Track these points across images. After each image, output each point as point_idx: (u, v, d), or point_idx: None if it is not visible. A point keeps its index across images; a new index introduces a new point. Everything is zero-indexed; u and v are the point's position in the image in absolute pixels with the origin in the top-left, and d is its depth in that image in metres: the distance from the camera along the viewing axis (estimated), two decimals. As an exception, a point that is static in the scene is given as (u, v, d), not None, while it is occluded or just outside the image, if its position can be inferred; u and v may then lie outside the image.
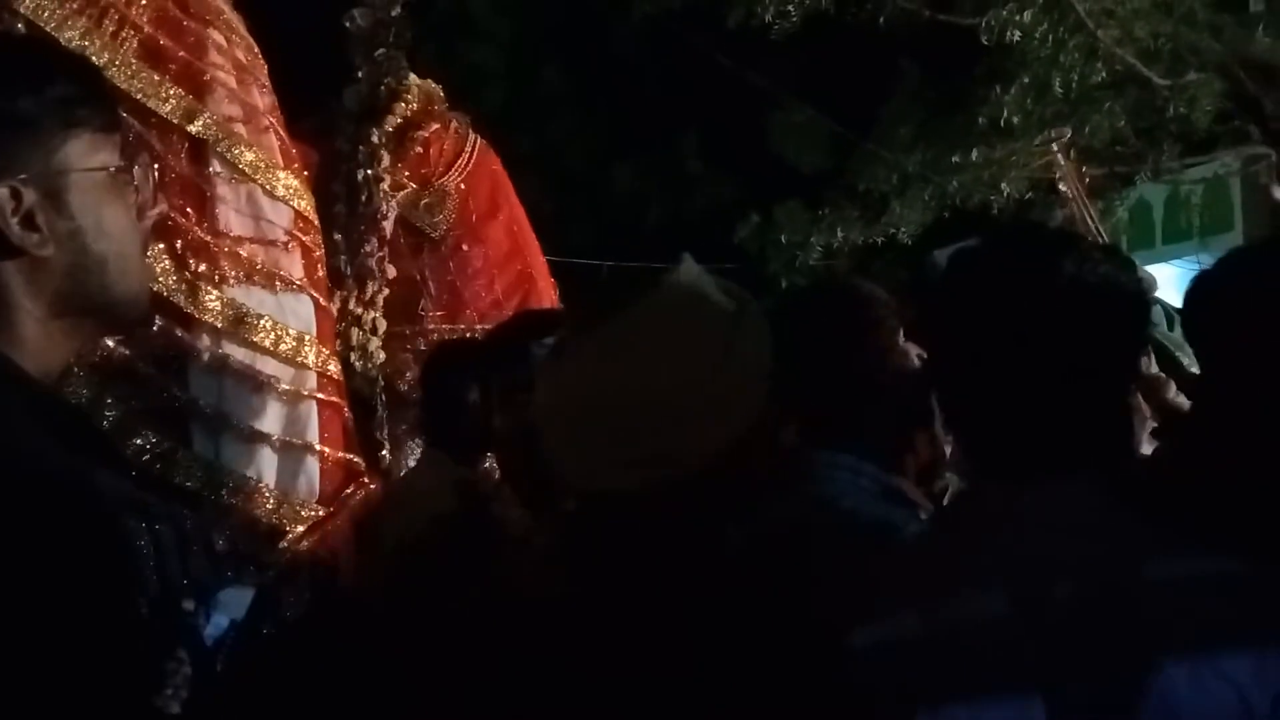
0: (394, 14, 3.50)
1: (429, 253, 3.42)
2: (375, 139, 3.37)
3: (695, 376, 1.46)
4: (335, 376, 2.47)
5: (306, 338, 2.33)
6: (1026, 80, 8.87)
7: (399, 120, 3.45)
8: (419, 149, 3.45)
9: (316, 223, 2.53)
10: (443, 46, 12.11)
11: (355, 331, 3.26)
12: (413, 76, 3.59)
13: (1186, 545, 1.36)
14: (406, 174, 3.43)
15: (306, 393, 2.31)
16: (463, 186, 3.48)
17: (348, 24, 3.51)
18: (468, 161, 3.50)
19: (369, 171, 3.33)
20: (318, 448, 2.31)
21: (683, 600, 1.42)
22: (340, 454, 2.41)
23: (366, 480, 2.50)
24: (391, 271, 3.33)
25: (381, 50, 3.51)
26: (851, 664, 1.39)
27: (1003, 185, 9.27)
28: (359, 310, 3.27)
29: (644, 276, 1.54)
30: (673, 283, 1.52)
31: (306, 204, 2.46)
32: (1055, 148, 3.96)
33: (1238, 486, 1.53)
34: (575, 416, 1.48)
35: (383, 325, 3.30)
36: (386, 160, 3.37)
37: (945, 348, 1.52)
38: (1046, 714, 1.29)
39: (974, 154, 9.18)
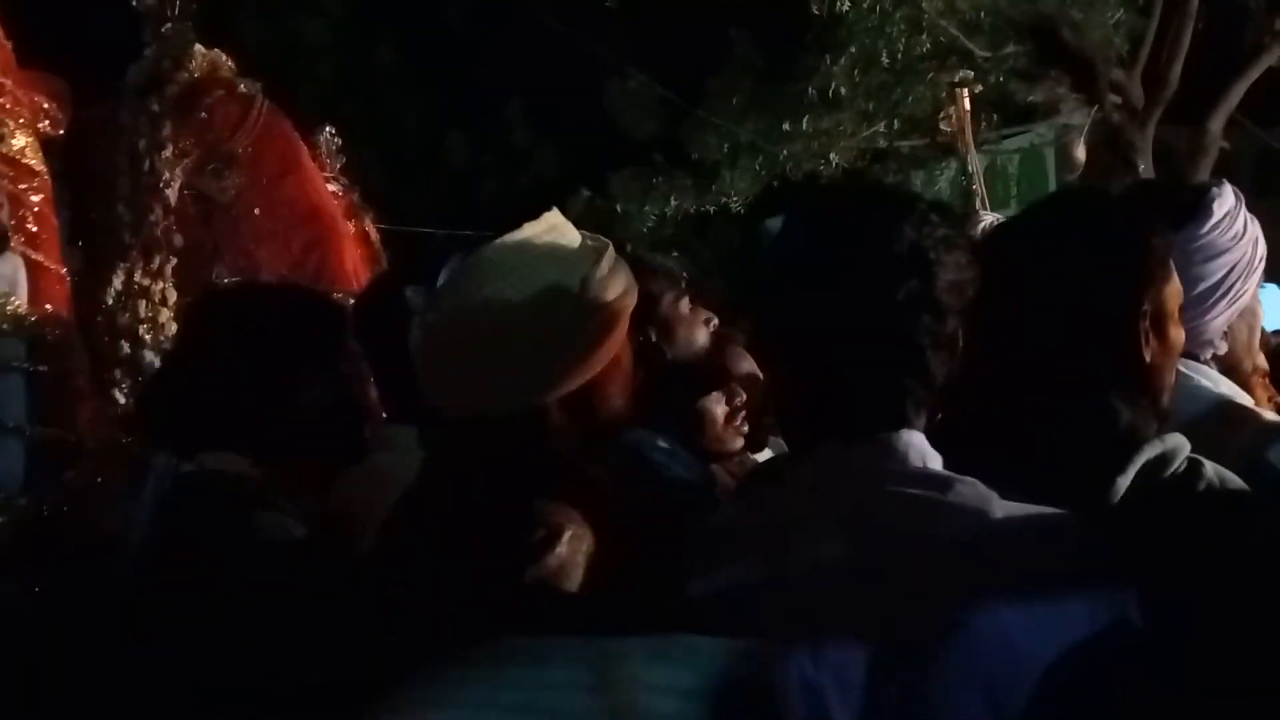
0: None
1: (219, 218, 3.27)
2: (155, 108, 3.22)
3: (553, 309, 1.56)
4: (60, 344, 2.25)
5: (12, 301, 2.11)
6: (854, 51, 9.00)
7: (178, 89, 3.30)
8: (202, 115, 3.29)
9: (37, 169, 2.31)
10: (272, 22, 11.80)
11: (143, 303, 3.10)
12: (199, 47, 3.44)
13: (988, 499, 1.37)
14: (190, 140, 3.28)
15: (15, 365, 2.09)
16: (251, 150, 3.33)
17: (134, 2, 3.35)
18: (255, 124, 3.36)
19: (147, 140, 3.18)
20: (28, 428, 2.07)
21: (538, 527, 1.49)
22: (66, 433, 2.17)
23: (112, 461, 2.24)
24: (179, 240, 3.18)
25: (167, 25, 3.36)
26: (692, 611, 1.42)
27: (831, 155, 9.40)
28: (146, 282, 3.10)
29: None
30: (534, 225, 1.61)
31: (19, 147, 2.23)
32: (960, 92, 3.91)
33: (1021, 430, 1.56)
34: (446, 346, 1.58)
35: (173, 296, 3.15)
36: (168, 129, 3.21)
37: (781, 312, 1.50)
38: (866, 664, 1.31)
39: (804, 124, 9.28)
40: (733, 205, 10.18)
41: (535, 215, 1.64)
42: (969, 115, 4.19)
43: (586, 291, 1.60)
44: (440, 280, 1.69)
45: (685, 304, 2.50)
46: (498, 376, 1.57)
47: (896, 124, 9.23)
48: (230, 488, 1.74)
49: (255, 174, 3.29)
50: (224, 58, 3.48)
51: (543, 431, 1.58)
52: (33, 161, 2.27)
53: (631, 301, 1.65)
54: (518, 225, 1.63)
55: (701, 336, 2.52)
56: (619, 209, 10.24)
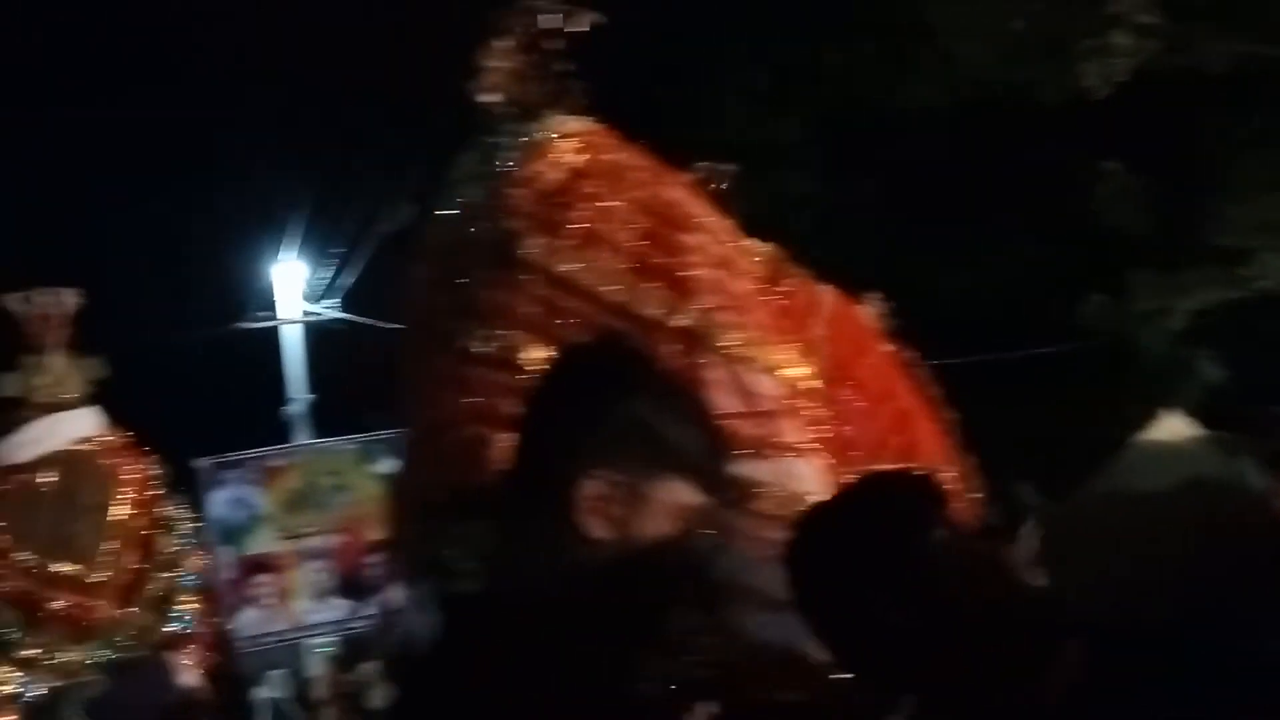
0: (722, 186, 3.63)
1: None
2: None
3: (1207, 505, 1.54)
4: None
5: (811, 500, 2.31)
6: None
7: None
8: (784, 301, 3.53)
9: (819, 386, 2.65)
10: (755, 176, 12.45)
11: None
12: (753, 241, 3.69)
13: None
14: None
15: None
16: (827, 334, 3.52)
17: None
18: (827, 310, 3.56)
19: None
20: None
21: None
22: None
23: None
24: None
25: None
26: None
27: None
28: None
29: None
30: (1165, 431, 1.64)
31: (801, 372, 2.59)
32: None
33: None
34: (1089, 553, 1.60)
35: None
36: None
37: None
38: None
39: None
40: (1270, 288, 9.52)
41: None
42: None
43: (1243, 483, 1.58)
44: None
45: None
46: (1149, 576, 1.55)
47: None
48: None
49: (835, 357, 3.47)
50: (777, 249, 3.71)
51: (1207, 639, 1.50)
52: (814, 383, 2.66)
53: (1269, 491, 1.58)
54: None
55: None
56: (1141, 310, 9.81)
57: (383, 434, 12.27)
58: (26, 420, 4.55)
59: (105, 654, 4.28)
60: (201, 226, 14.39)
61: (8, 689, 4.17)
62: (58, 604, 4.24)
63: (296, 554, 11.91)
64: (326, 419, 14.28)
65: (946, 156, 12.82)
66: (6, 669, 4.18)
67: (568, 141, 2.66)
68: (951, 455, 3.41)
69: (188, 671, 4.51)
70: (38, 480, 4.43)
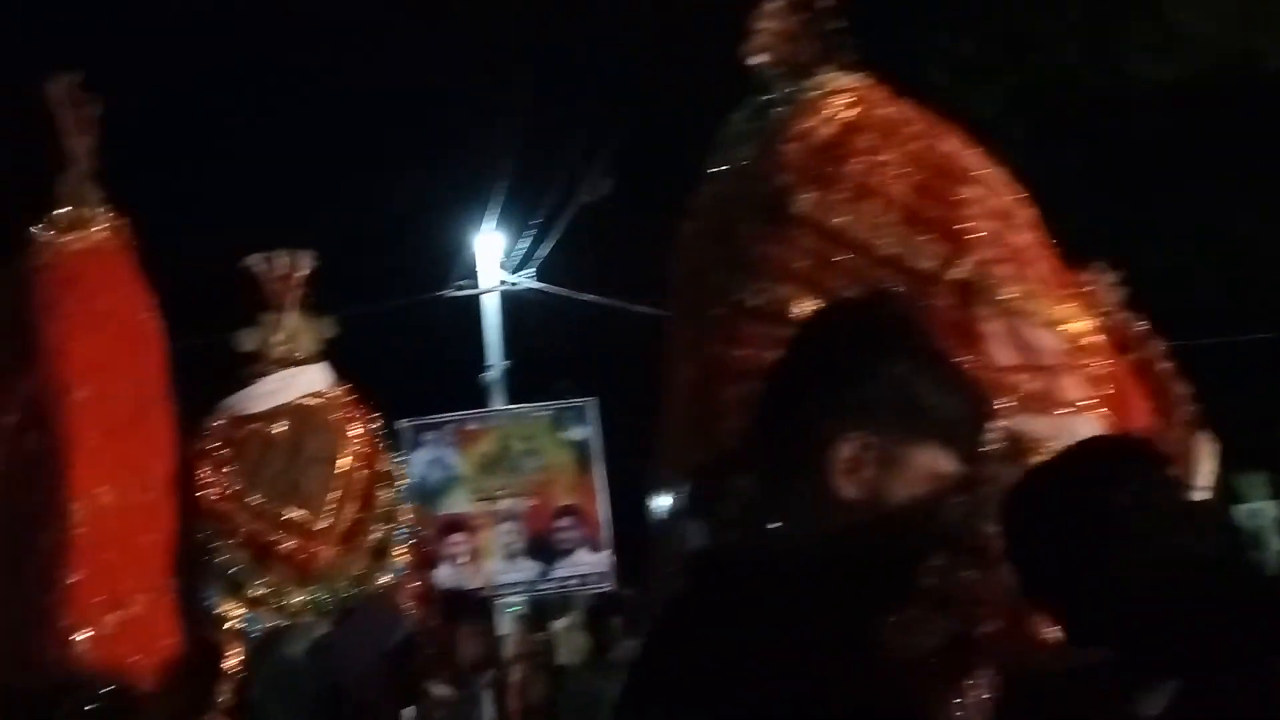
0: None
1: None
2: None
3: None
4: None
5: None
6: None
7: None
8: None
9: (1099, 341, 2.58)
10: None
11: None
12: None
13: None
14: None
15: None
16: None
17: None
18: None
19: None
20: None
21: None
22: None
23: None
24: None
25: None
26: None
27: None
28: None
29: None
30: None
31: (1081, 327, 2.52)
32: None
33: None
34: None
35: None
36: None
37: None
38: None
39: None
40: None
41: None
42: None
43: None
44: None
45: None
46: None
47: None
48: None
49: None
50: None
51: None
52: (1096, 339, 2.58)
53: None
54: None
55: None
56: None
57: (574, 401, 12.57)
58: (263, 374, 4.78)
59: (326, 597, 4.45)
60: (410, 199, 14.82)
61: (235, 625, 4.37)
62: (285, 547, 4.42)
63: (490, 515, 12.19)
64: (521, 385, 14.58)
65: (1162, 129, 12.32)
66: (236, 606, 4.38)
67: (840, 97, 2.67)
68: (1173, 431, 3.30)
69: (406, 619, 4.67)
70: (271, 430, 4.64)
